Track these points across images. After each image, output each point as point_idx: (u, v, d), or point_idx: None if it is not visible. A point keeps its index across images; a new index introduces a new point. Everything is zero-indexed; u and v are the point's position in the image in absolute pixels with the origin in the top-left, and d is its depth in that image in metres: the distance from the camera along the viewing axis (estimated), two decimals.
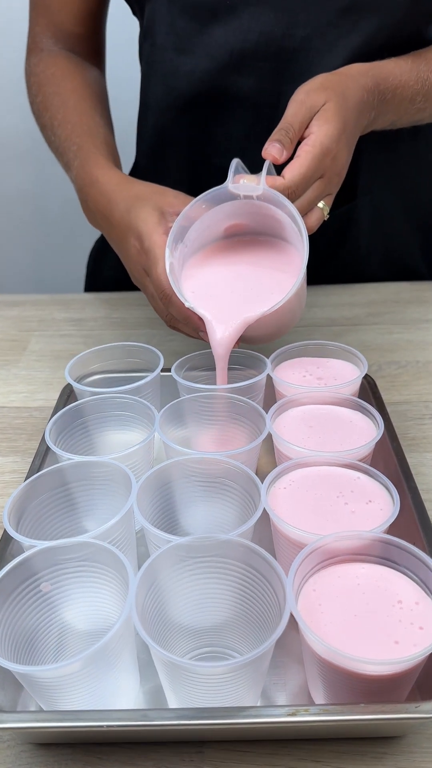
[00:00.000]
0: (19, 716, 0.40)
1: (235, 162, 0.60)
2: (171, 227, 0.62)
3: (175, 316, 0.62)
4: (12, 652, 0.43)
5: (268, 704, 0.45)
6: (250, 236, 0.65)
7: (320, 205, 0.62)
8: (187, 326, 0.62)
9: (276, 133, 0.59)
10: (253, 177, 0.59)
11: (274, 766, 0.42)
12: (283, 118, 0.60)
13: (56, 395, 0.78)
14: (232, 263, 0.64)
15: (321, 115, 0.60)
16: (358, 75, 0.64)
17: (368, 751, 0.43)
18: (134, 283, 0.69)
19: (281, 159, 0.59)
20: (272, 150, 0.58)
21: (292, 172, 0.58)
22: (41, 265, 1.73)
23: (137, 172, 0.95)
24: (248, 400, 0.58)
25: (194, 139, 0.84)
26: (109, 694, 0.42)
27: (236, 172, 0.60)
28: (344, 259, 0.94)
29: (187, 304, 0.59)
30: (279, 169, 0.60)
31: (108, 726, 0.38)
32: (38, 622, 0.45)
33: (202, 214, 0.61)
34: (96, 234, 1.06)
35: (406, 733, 0.43)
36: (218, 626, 0.47)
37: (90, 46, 0.88)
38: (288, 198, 0.57)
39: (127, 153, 0.94)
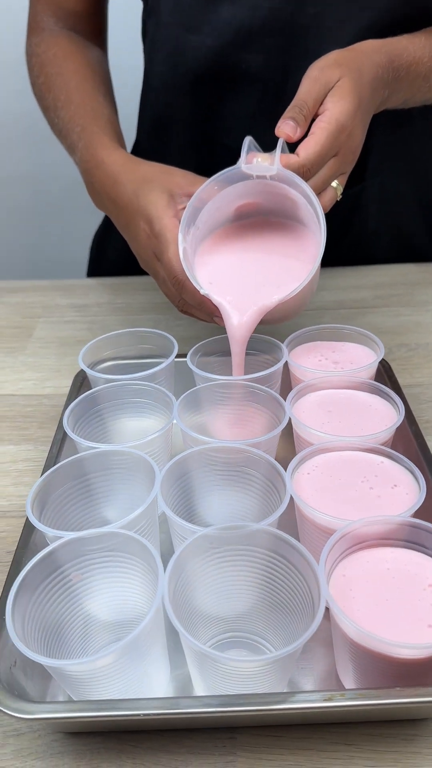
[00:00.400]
0: (54, 707, 0.40)
1: (248, 140, 0.59)
2: (180, 209, 0.61)
3: (188, 302, 0.61)
4: (41, 644, 0.42)
5: (297, 689, 0.45)
6: (261, 217, 0.64)
7: (333, 184, 0.61)
8: (200, 311, 0.61)
9: (289, 111, 0.57)
10: (266, 156, 0.57)
11: (307, 749, 0.43)
12: (296, 95, 0.59)
13: (65, 382, 0.78)
14: (246, 249, 0.63)
15: (336, 92, 0.58)
16: (371, 51, 0.63)
17: (399, 733, 0.43)
18: (143, 268, 0.68)
19: (295, 137, 0.57)
20: (286, 128, 0.57)
21: (307, 149, 0.56)
22: (39, 250, 1.71)
23: (138, 152, 0.94)
24: (266, 389, 0.57)
25: (199, 118, 0.83)
26: (139, 683, 0.42)
27: (249, 150, 0.59)
28: (352, 241, 0.94)
29: (202, 292, 0.58)
30: (292, 147, 0.59)
31: (145, 715, 0.38)
32: (65, 613, 0.45)
33: (214, 196, 0.60)
34: (97, 218, 1.05)
35: None
36: (245, 613, 0.47)
37: (92, 26, 0.86)
38: (302, 177, 0.56)
39: (127, 133, 0.92)
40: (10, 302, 0.96)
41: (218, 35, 0.75)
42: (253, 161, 0.57)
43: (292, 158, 0.56)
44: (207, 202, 0.60)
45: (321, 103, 0.59)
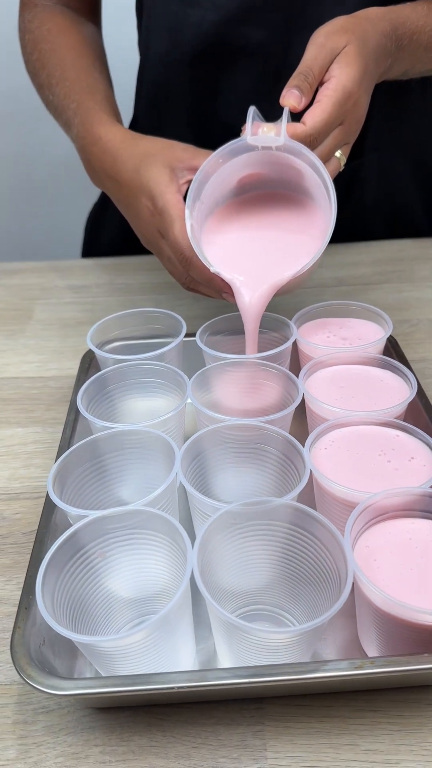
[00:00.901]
0: (87, 683, 0.40)
1: (252, 110, 0.57)
2: (183, 184, 0.60)
3: (195, 279, 0.61)
4: (69, 621, 0.43)
5: (320, 659, 0.46)
6: (265, 190, 0.63)
7: (337, 154, 0.59)
8: (209, 288, 0.61)
9: (294, 78, 0.56)
10: (271, 126, 0.56)
11: (334, 717, 0.44)
12: (302, 62, 0.57)
13: (69, 364, 0.78)
14: (253, 225, 0.62)
15: (342, 58, 0.57)
16: (376, 19, 0.61)
17: (423, 698, 0.44)
18: (145, 246, 0.67)
19: (300, 107, 0.56)
20: (290, 98, 0.55)
21: (313, 118, 0.55)
22: (30, 231, 1.69)
23: (136, 130, 0.92)
24: (278, 366, 0.58)
25: (198, 93, 0.82)
26: (168, 657, 0.43)
27: (253, 120, 0.57)
28: (349, 217, 0.93)
29: (212, 270, 0.57)
30: (297, 115, 0.58)
31: (179, 688, 0.39)
32: (90, 591, 0.46)
33: (218, 169, 0.59)
34: (89, 198, 1.03)
35: None
36: (267, 586, 0.48)
37: (85, 0, 0.85)
38: (309, 146, 0.55)
39: (124, 111, 0.91)
40: (7, 284, 0.95)
41: (219, 9, 0.74)
42: (259, 132, 0.56)
43: (298, 127, 0.55)
44: (210, 175, 0.59)
45: (326, 70, 0.57)
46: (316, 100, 0.56)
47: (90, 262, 1.00)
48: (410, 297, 0.87)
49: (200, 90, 0.81)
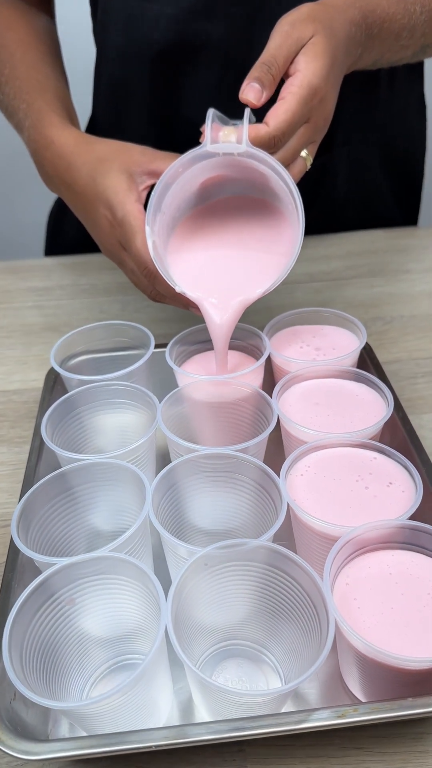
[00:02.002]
0: (60, 745, 0.38)
1: (211, 113, 0.53)
2: (143, 190, 0.57)
3: (161, 293, 0.58)
4: (40, 672, 0.41)
5: (301, 693, 0.45)
6: (230, 194, 0.59)
7: (303, 154, 0.55)
8: (175, 301, 0.59)
9: (256, 69, 0.51)
10: (232, 129, 0.52)
11: (318, 757, 0.43)
12: (265, 51, 0.52)
13: (34, 375, 0.75)
14: (218, 243, 0.58)
15: (308, 51, 0.52)
16: (345, 6, 0.57)
17: (407, 733, 0.43)
18: (107, 256, 0.63)
19: (259, 102, 0.51)
20: (250, 93, 0.51)
21: (276, 118, 0.50)
22: None
23: (95, 127, 0.88)
24: (251, 386, 0.55)
25: (159, 90, 0.78)
26: (145, 707, 0.41)
27: (213, 122, 0.53)
28: (319, 210, 0.91)
29: (177, 289, 0.54)
30: (260, 111, 0.53)
31: (157, 746, 0.37)
32: (62, 637, 0.44)
33: (179, 178, 0.55)
34: (51, 193, 0.99)
35: None
36: (244, 624, 0.47)
37: None
38: (273, 148, 0.51)
39: (82, 108, 0.87)
40: None
41: (177, 3, 0.69)
42: (219, 136, 0.51)
43: (261, 129, 0.51)
44: (171, 186, 0.54)
45: (292, 62, 0.53)
46: (279, 97, 0.52)
47: (52, 261, 0.96)
48: (382, 292, 0.85)
49: (161, 87, 0.77)
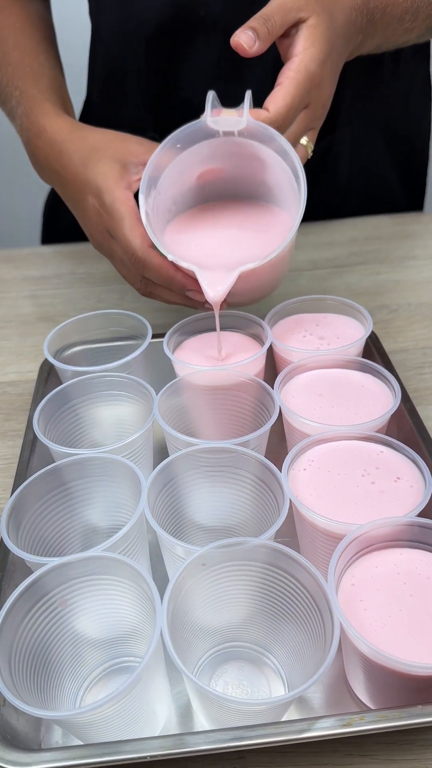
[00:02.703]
0: (53, 755, 0.36)
1: (212, 95, 0.52)
2: (135, 181, 0.55)
3: (152, 280, 0.55)
4: (31, 677, 0.39)
5: (305, 697, 0.43)
6: (226, 196, 0.58)
7: (303, 141, 0.54)
8: (168, 290, 0.56)
9: (252, 20, 0.50)
10: (232, 111, 0.51)
11: (321, 764, 0.41)
12: (263, 9, 0.50)
13: (29, 366, 0.72)
14: (216, 227, 0.57)
15: (307, 35, 0.51)
16: None
17: (415, 739, 0.41)
18: (95, 248, 0.60)
19: (251, 50, 0.49)
20: (242, 37, 0.49)
21: (276, 102, 0.49)
22: None
23: (89, 110, 0.86)
24: (253, 377, 0.53)
25: (156, 71, 0.75)
26: (142, 713, 0.39)
27: (213, 107, 0.52)
28: (323, 195, 0.88)
29: (169, 257, 0.51)
30: (259, 101, 0.52)
31: (152, 757, 0.36)
32: (54, 639, 0.42)
33: (176, 156, 0.53)
34: None
35: None
36: (245, 625, 0.45)
37: None
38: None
39: (79, 90, 0.84)
40: None
41: None
42: (218, 113, 0.51)
43: (261, 114, 0.50)
44: (168, 163, 0.53)
45: (288, 36, 0.51)
46: (277, 83, 0.51)
47: (49, 249, 0.93)
48: (388, 279, 0.82)
49: (158, 67, 0.74)
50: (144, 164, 0.54)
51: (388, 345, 0.71)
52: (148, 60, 0.73)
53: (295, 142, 0.53)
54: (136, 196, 0.53)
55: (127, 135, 0.58)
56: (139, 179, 0.54)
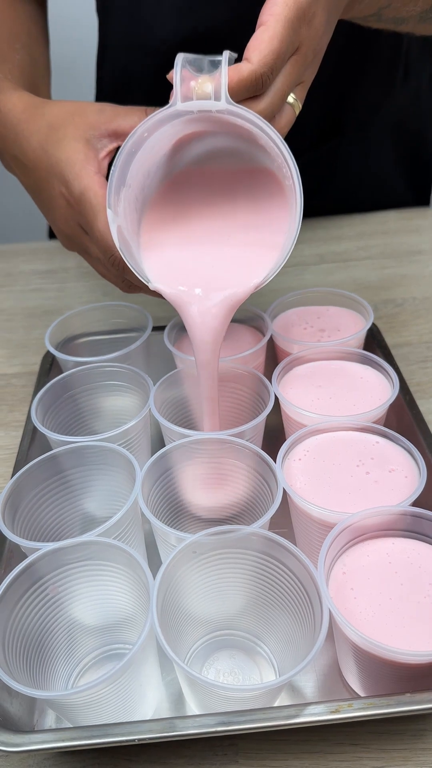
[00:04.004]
0: (44, 736, 0.37)
1: (181, 59, 0.42)
2: (103, 158, 0.48)
3: (133, 283, 0.48)
4: (25, 661, 0.40)
5: (297, 686, 0.43)
6: (208, 148, 0.46)
7: (290, 99, 0.43)
8: (151, 292, 0.48)
9: None
10: (206, 78, 0.40)
11: (312, 753, 0.41)
12: None
13: (34, 359, 0.73)
14: (200, 223, 0.47)
15: None
16: None
17: (407, 729, 0.41)
18: (66, 247, 0.53)
19: None
20: None
21: (260, 50, 0.39)
22: None
23: None
24: (249, 368, 0.53)
25: (164, 81, 0.74)
26: (133, 697, 0.40)
27: (183, 69, 0.41)
28: (331, 194, 0.88)
29: (151, 286, 0.45)
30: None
31: (140, 740, 0.36)
32: (48, 624, 0.42)
33: (144, 143, 0.43)
34: None
35: None
36: (237, 614, 0.45)
37: None
38: (261, 87, 0.40)
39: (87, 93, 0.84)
40: None
41: None
42: (191, 87, 0.40)
43: (243, 70, 0.39)
44: (136, 153, 0.43)
45: None
46: (260, 22, 0.40)
47: (55, 244, 0.94)
48: (394, 274, 0.82)
49: (166, 79, 0.73)
50: (110, 135, 0.48)
51: (392, 339, 0.71)
52: (155, 70, 0.73)
53: (283, 100, 0.42)
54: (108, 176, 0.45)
55: (87, 104, 0.51)
56: (108, 154, 0.48)
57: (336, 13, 0.46)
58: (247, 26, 0.45)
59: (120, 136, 0.48)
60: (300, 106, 0.44)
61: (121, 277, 0.48)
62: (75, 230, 0.50)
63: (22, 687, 0.35)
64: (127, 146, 0.42)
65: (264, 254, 0.45)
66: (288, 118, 0.44)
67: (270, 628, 0.43)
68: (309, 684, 0.44)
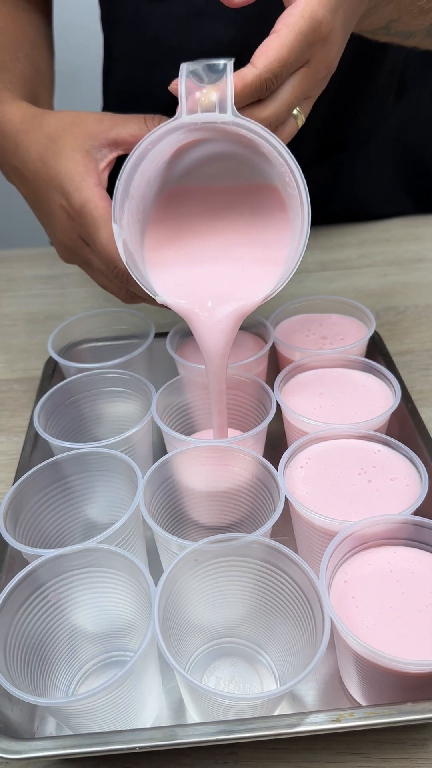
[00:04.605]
0: (44, 744, 0.37)
1: (185, 69, 0.41)
2: (104, 169, 0.48)
3: (137, 293, 0.48)
4: (26, 668, 0.40)
5: (299, 695, 0.43)
6: (209, 158, 0.45)
7: (294, 112, 0.43)
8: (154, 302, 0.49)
9: None
10: (212, 88, 0.40)
11: (313, 762, 0.41)
12: None
13: (36, 364, 0.73)
14: (206, 236, 0.47)
15: None
16: None
17: (408, 739, 0.41)
18: (65, 260, 0.54)
19: (236, 0, 0.41)
20: None
21: (267, 55, 0.39)
22: None
23: None
24: (252, 376, 0.53)
25: (170, 93, 0.75)
26: (133, 705, 0.39)
27: (187, 78, 0.41)
28: (334, 206, 0.89)
29: (159, 300, 0.45)
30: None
31: (141, 748, 0.36)
32: (49, 630, 0.42)
33: (148, 154, 0.43)
34: None
35: None
36: (238, 622, 0.45)
37: None
38: (264, 92, 0.40)
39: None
40: None
41: (185, 4, 0.65)
42: (196, 98, 0.40)
43: (247, 75, 0.39)
44: (139, 166, 0.43)
45: None
46: (273, 30, 0.40)
47: None
48: (396, 281, 0.82)
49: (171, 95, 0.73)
50: (109, 144, 0.48)
51: (394, 346, 0.71)
52: (161, 84, 0.72)
53: (290, 110, 0.42)
54: (110, 186, 0.46)
55: (86, 114, 0.50)
56: (107, 165, 0.48)
57: (351, 28, 0.45)
58: (254, 41, 0.44)
59: (119, 144, 0.48)
60: (303, 120, 0.44)
61: (124, 288, 0.48)
62: (76, 242, 0.49)
63: (23, 694, 0.35)
64: (131, 160, 0.42)
65: (270, 269, 0.45)
66: (290, 130, 0.44)
67: (271, 636, 0.43)
68: (310, 693, 0.44)
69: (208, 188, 0.46)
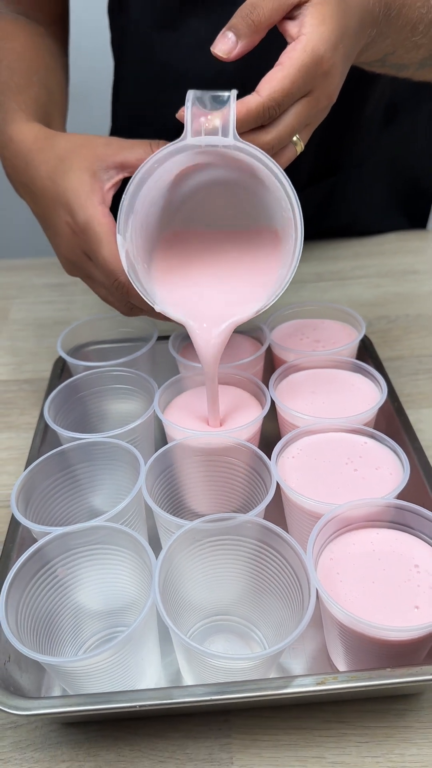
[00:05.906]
0: (51, 702, 0.40)
1: (191, 96, 0.44)
2: (108, 189, 0.51)
3: (137, 306, 0.51)
4: (34, 638, 0.43)
5: (288, 669, 0.46)
6: (209, 183, 0.49)
7: (294, 138, 0.46)
8: (153, 314, 0.52)
9: (235, 15, 0.43)
10: (217, 114, 0.43)
11: (301, 728, 0.44)
12: None
13: (44, 366, 0.77)
14: (204, 258, 0.51)
15: (316, 12, 0.43)
16: None
17: (390, 709, 0.44)
18: (69, 273, 0.56)
19: (231, 55, 0.44)
20: (219, 44, 0.44)
21: (271, 85, 0.42)
22: (4, 227, 1.65)
23: None
24: (247, 374, 0.57)
25: (176, 120, 0.78)
26: (133, 672, 0.43)
27: (194, 105, 0.44)
28: (329, 223, 0.93)
29: (157, 308, 0.48)
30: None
31: (141, 706, 0.39)
32: (56, 605, 0.46)
33: (153, 173, 0.46)
34: None
35: (425, 690, 0.45)
36: (233, 600, 0.48)
37: (47, 12, 0.74)
38: (266, 119, 0.43)
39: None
40: None
41: (194, 34, 0.68)
42: (201, 123, 0.44)
43: (251, 102, 0.42)
44: (144, 184, 0.46)
45: (292, 18, 0.44)
46: (277, 63, 0.43)
47: None
48: (388, 292, 0.86)
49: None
50: (116, 167, 0.51)
51: (385, 352, 0.75)
52: (169, 108, 0.74)
53: (290, 136, 0.45)
54: (114, 206, 0.49)
55: (95, 137, 0.53)
56: (113, 186, 0.51)
57: (351, 61, 0.49)
58: (257, 70, 0.48)
59: (126, 168, 0.51)
60: (303, 146, 0.47)
61: (125, 300, 0.51)
62: (79, 257, 0.52)
63: (31, 652, 0.38)
64: (138, 176, 0.45)
65: (263, 289, 0.49)
66: (290, 155, 0.47)
67: (263, 614, 0.46)
68: (298, 667, 0.47)
69: (209, 224, 0.51)
